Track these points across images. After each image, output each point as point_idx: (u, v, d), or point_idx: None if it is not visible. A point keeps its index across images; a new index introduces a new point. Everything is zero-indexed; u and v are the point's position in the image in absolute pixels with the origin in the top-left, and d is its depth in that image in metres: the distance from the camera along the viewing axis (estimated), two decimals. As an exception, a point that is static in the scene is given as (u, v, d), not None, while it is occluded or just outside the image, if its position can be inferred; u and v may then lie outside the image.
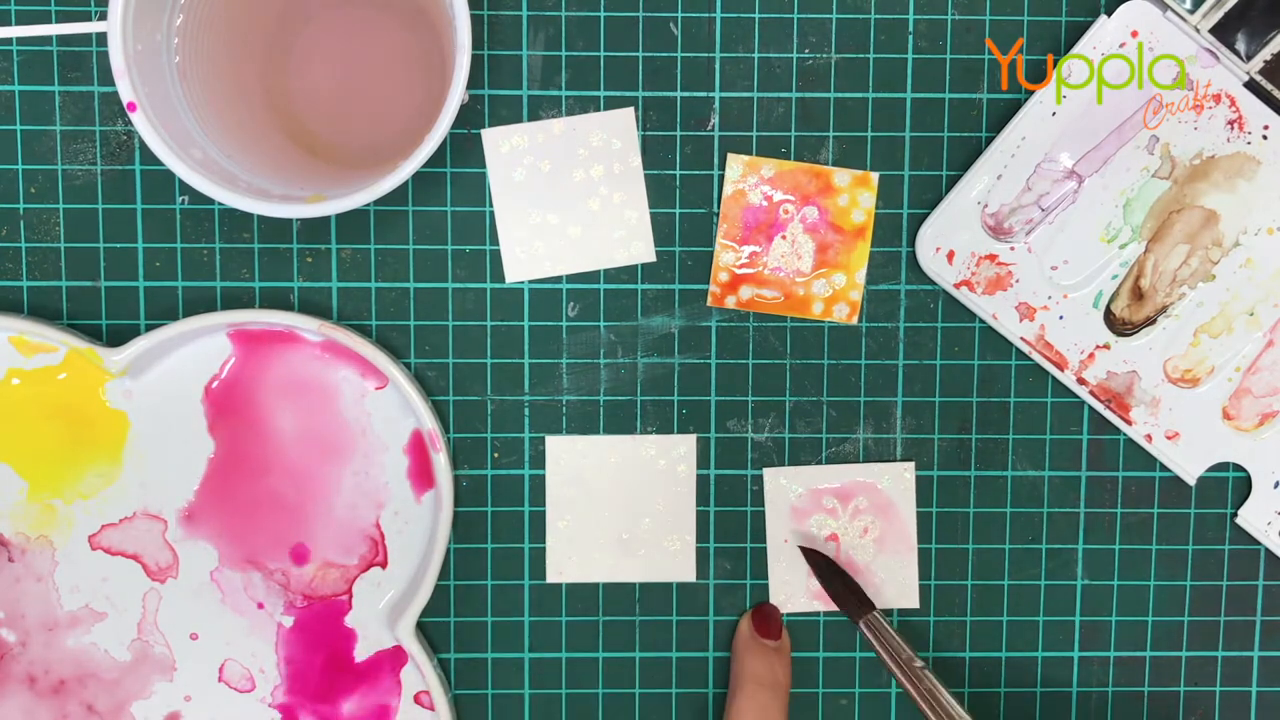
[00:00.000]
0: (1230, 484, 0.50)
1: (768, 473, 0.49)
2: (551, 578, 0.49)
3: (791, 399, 0.49)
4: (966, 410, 0.49)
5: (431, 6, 0.44)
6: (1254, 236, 0.48)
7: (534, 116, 0.48)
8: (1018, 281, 0.48)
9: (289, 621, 0.48)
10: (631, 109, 0.48)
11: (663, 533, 0.49)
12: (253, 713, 0.49)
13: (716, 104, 0.48)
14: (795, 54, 0.48)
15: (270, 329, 0.47)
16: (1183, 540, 0.50)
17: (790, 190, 0.48)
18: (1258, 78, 0.47)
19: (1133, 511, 0.50)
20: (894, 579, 0.50)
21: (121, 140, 0.47)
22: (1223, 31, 0.47)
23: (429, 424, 0.47)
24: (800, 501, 0.49)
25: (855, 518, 0.49)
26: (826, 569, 0.48)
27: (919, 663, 0.46)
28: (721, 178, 0.48)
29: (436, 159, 0.47)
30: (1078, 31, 0.47)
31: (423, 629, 0.49)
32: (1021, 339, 0.49)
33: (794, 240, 0.48)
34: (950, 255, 0.48)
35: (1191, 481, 0.49)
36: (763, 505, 0.49)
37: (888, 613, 0.49)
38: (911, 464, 0.49)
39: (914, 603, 0.50)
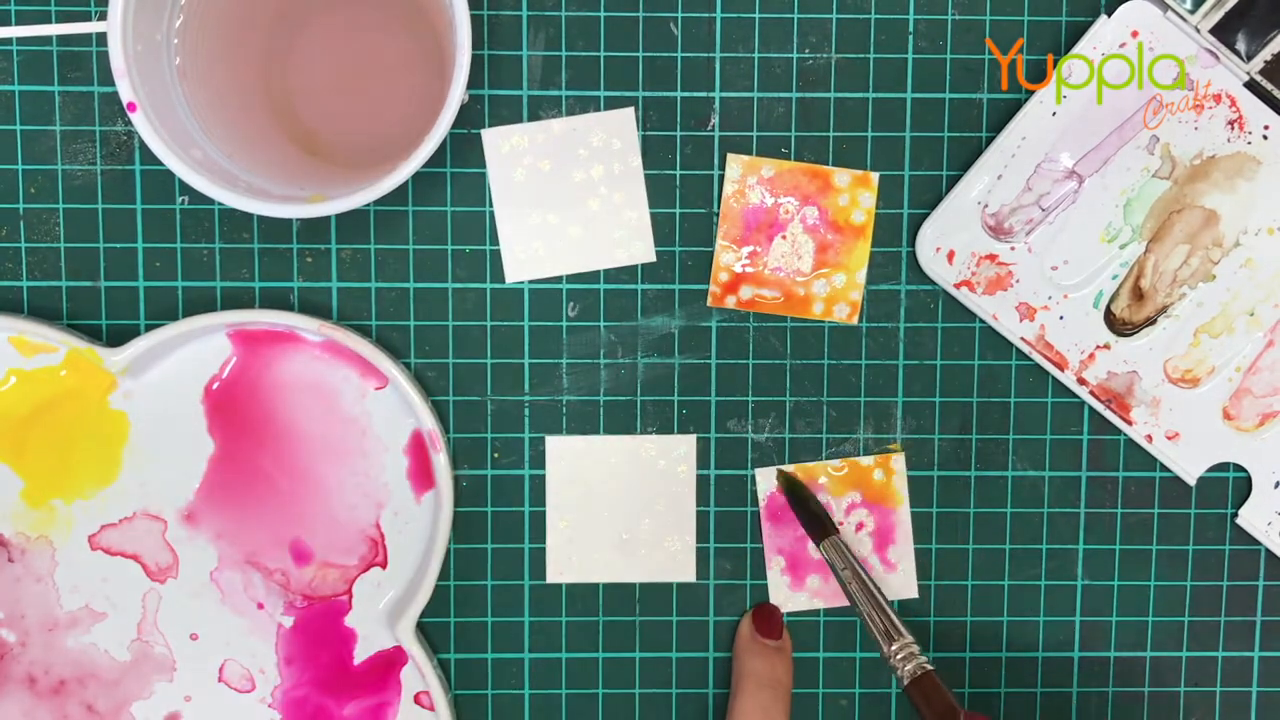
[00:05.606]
0: (1230, 484, 0.50)
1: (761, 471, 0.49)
2: (551, 578, 0.49)
3: (791, 399, 0.49)
4: (966, 410, 0.49)
5: (431, 6, 0.44)
6: (1254, 236, 0.48)
7: (534, 116, 0.48)
8: (1018, 281, 0.48)
9: (289, 622, 0.48)
10: (631, 109, 0.48)
11: (663, 533, 0.49)
12: (253, 713, 0.49)
13: (716, 104, 0.48)
14: (795, 54, 0.48)
15: (270, 329, 0.47)
16: (1183, 540, 0.50)
17: (790, 190, 0.48)
18: (1258, 78, 0.47)
19: (1133, 511, 0.50)
20: (893, 571, 0.50)
21: (121, 140, 0.47)
22: (1223, 31, 0.46)
23: (429, 424, 0.47)
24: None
25: (850, 512, 0.49)
26: (799, 492, 0.49)
27: (871, 583, 0.46)
28: (721, 178, 0.48)
29: (436, 159, 0.47)
30: (1078, 31, 0.47)
31: (423, 629, 0.49)
32: (1021, 339, 0.49)
33: (794, 240, 0.48)
34: (950, 255, 0.48)
35: (1191, 481, 0.49)
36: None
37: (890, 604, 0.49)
38: (902, 454, 0.49)
39: (913, 593, 0.50)
